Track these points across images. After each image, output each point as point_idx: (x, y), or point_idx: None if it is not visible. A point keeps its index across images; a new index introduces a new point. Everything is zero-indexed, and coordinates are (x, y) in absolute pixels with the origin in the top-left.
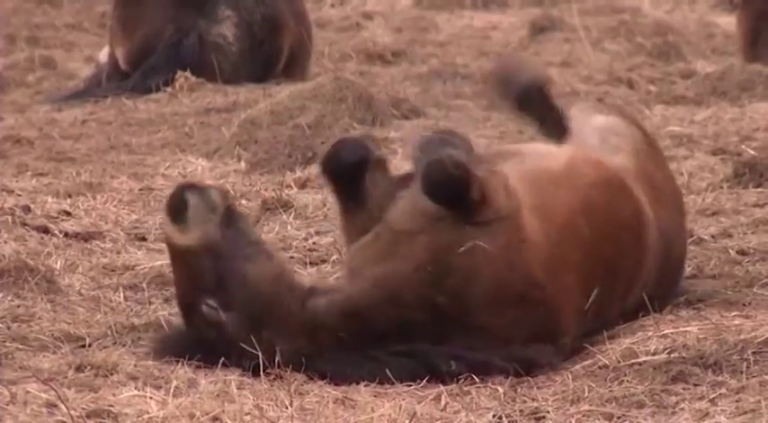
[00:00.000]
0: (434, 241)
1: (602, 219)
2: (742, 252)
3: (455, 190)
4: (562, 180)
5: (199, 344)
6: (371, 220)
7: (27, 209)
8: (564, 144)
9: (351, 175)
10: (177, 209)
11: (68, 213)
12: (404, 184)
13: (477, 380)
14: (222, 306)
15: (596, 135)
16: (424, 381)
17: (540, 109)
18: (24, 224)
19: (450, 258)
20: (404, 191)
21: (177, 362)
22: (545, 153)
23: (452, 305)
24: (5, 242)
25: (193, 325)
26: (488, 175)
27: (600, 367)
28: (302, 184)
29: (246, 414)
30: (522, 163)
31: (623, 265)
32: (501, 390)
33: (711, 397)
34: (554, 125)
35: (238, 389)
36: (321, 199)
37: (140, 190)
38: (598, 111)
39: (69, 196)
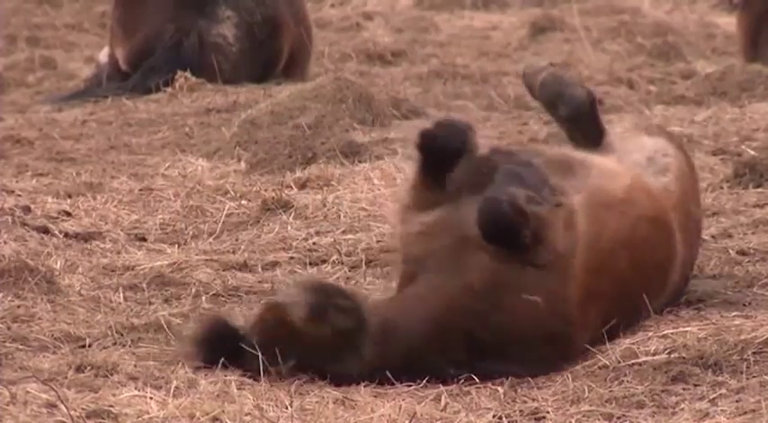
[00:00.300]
0: (493, 270)
1: (639, 254)
2: (742, 252)
3: (506, 232)
4: (616, 205)
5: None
6: (443, 197)
7: (27, 209)
8: (614, 160)
9: (445, 159)
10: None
11: (68, 214)
12: (486, 171)
13: (476, 380)
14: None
15: (643, 154)
16: (424, 381)
17: (587, 125)
18: (24, 224)
19: (503, 296)
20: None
21: (178, 362)
22: (609, 172)
23: (490, 340)
24: (5, 242)
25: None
26: (549, 213)
27: (600, 367)
28: (302, 185)
29: (246, 414)
30: (588, 178)
31: (644, 302)
32: (501, 390)
33: (711, 397)
34: (592, 139)
35: (238, 389)
36: (321, 199)
37: (140, 190)
38: (644, 130)
39: (69, 196)
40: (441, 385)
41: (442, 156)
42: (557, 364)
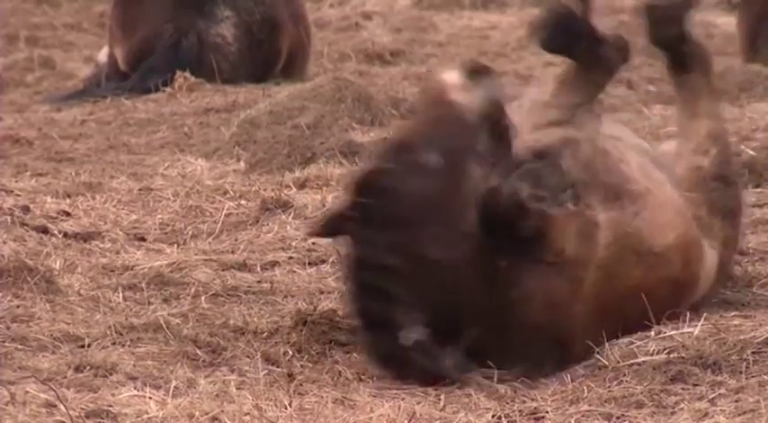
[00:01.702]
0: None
1: (655, 283)
2: (741, 252)
3: (501, 223)
4: (646, 257)
5: None
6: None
7: (26, 209)
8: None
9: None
10: None
11: (67, 213)
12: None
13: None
14: None
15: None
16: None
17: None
18: (23, 224)
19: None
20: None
21: (177, 362)
22: (659, 218)
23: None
24: (4, 242)
25: None
26: (561, 215)
27: (599, 367)
28: (301, 185)
29: (246, 414)
30: (634, 212)
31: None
32: (500, 390)
33: (711, 397)
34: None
35: (237, 389)
36: (320, 199)
37: (139, 190)
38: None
39: (68, 196)
40: (440, 385)
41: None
42: (547, 370)
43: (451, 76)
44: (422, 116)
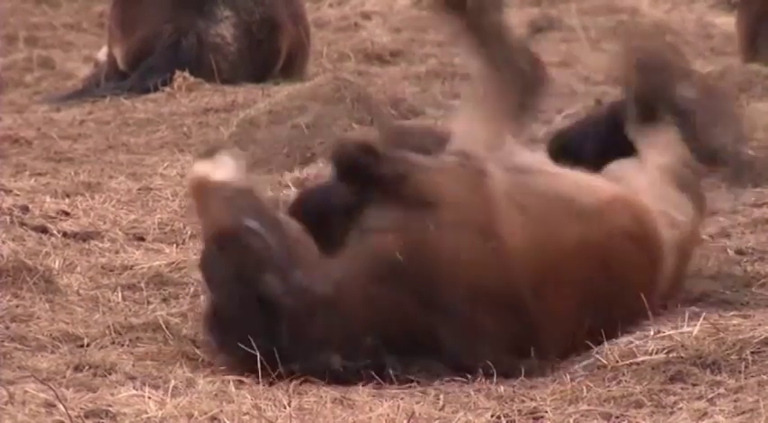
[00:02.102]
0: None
1: (604, 236)
2: (740, 252)
3: (353, 167)
4: (586, 215)
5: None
6: None
7: (25, 209)
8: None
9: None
10: None
11: (67, 213)
12: None
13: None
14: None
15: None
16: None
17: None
18: (23, 224)
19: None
20: None
21: (176, 362)
22: (585, 185)
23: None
24: (3, 242)
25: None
26: (432, 163)
27: (598, 367)
28: (300, 184)
29: (245, 414)
30: (546, 184)
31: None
32: (500, 389)
33: (710, 397)
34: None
35: (236, 389)
36: None
37: (139, 190)
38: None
39: (68, 196)
40: (439, 385)
41: None
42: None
43: (202, 167)
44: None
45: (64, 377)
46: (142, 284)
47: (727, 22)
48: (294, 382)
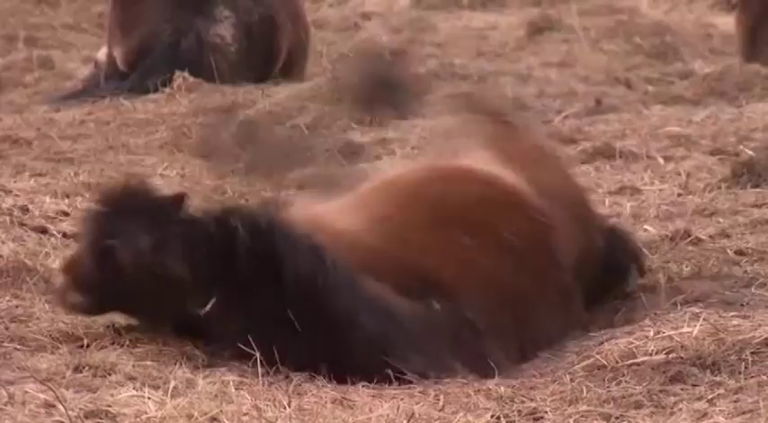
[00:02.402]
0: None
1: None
2: (740, 252)
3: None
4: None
5: None
6: None
7: (25, 209)
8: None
9: None
10: None
11: (66, 214)
12: None
13: (474, 380)
14: None
15: None
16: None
17: None
18: (22, 224)
19: None
20: None
21: (176, 363)
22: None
23: None
24: (3, 242)
25: None
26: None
27: (598, 368)
28: (300, 185)
29: (245, 414)
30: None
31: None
32: (500, 390)
33: (710, 397)
34: None
35: (236, 389)
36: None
37: None
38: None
39: (67, 196)
40: (439, 385)
41: None
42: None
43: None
44: None
45: (64, 378)
46: None
47: (727, 22)
48: (294, 383)
